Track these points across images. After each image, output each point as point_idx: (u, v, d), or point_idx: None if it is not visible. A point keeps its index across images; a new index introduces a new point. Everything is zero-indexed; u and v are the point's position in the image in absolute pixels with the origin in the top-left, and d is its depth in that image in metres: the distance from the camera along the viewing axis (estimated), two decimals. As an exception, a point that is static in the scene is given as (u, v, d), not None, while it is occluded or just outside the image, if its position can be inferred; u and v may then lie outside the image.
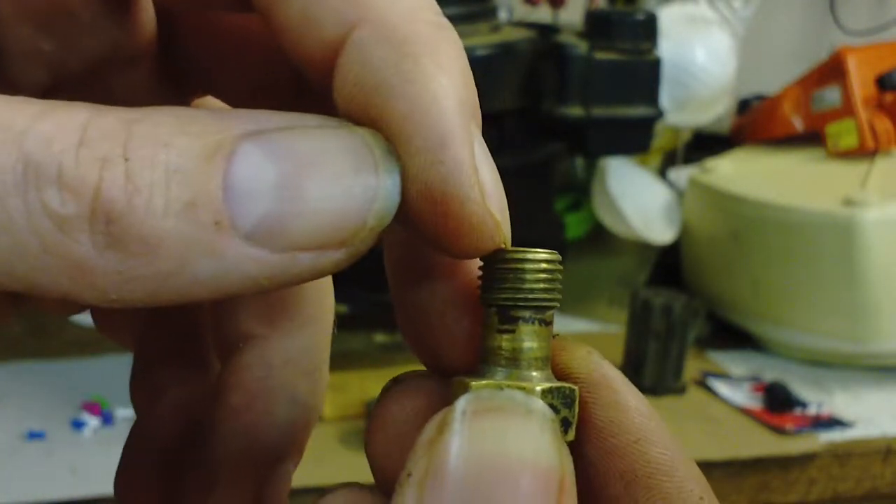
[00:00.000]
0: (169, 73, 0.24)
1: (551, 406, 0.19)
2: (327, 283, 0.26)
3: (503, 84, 0.91)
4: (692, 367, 1.01)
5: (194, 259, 0.16)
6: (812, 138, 1.16)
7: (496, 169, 0.18)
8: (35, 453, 0.82)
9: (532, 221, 1.02)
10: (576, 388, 0.19)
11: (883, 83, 1.11)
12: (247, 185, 0.16)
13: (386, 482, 0.20)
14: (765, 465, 0.89)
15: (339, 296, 0.26)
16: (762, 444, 0.90)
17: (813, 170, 1.12)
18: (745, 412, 0.94)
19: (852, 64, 1.12)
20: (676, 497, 0.19)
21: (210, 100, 0.25)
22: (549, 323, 0.20)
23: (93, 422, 0.87)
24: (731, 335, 1.11)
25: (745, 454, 0.89)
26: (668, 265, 1.20)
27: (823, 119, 1.15)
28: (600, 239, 1.24)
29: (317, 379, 0.25)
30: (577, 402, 0.19)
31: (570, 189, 1.27)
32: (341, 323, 0.26)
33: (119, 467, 0.26)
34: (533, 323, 0.19)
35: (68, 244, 0.15)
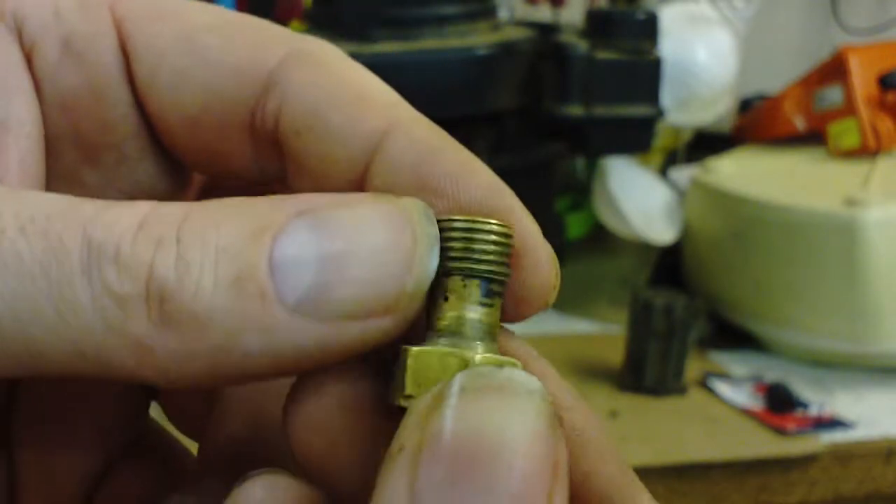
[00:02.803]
0: None
1: None
2: None
3: (503, 84, 0.91)
4: (693, 367, 1.01)
5: (244, 333, 0.17)
6: (814, 138, 1.16)
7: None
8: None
9: (533, 221, 1.02)
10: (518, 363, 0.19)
11: (885, 82, 1.10)
12: (291, 258, 0.17)
13: (309, 468, 0.20)
14: (766, 465, 0.89)
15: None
16: (763, 444, 0.89)
17: (815, 169, 1.12)
18: (747, 413, 0.94)
19: (854, 63, 1.12)
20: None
21: None
22: (499, 294, 0.20)
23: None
24: (733, 335, 1.11)
25: (747, 455, 0.88)
26: (669, 265, 1.20)
27: (825, 118, 1.14)
28: (601, 239, 1.24)
29: None
30: None
31: (571, 189, 1.27)
32: None
33: None
34: (485, 294, 0.19)
35: (127, 322, 0.17)
